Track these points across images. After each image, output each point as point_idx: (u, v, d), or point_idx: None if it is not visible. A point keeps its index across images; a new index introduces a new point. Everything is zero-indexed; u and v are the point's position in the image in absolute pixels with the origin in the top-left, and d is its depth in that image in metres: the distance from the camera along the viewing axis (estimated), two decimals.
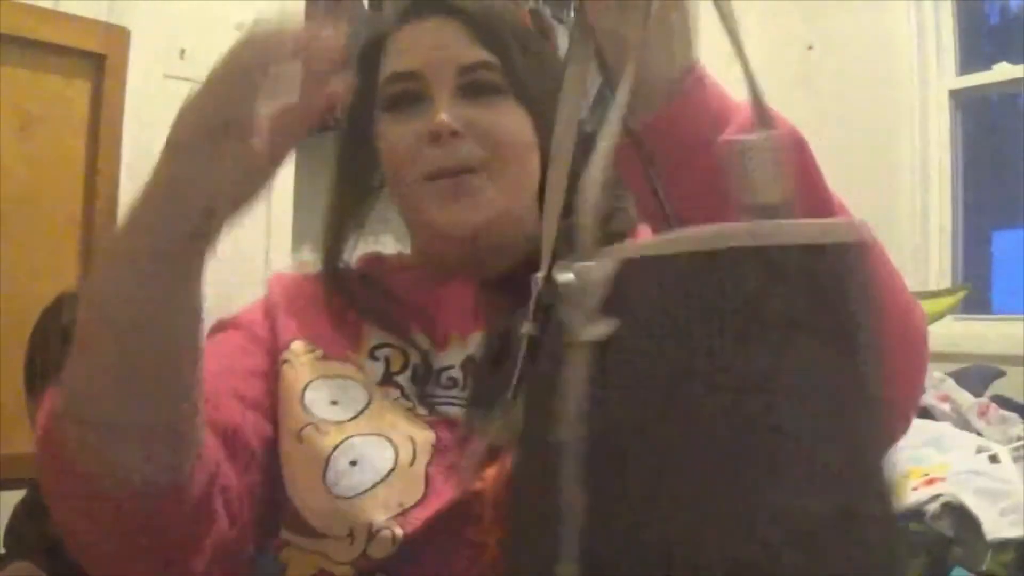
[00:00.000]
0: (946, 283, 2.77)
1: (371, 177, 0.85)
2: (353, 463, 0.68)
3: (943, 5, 2.89)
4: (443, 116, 0.75)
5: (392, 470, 0.68)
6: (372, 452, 0.69)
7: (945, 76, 2.88)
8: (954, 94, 2.87)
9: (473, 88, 0.77)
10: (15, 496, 1.30)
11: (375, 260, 0.87)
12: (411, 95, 0.78)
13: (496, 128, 0.77)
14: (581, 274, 0.44)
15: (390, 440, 0.70)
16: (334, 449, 0.69)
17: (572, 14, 3.14)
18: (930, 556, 1.50)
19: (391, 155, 0.79)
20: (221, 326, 0.82)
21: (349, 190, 0.85)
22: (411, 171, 0.77)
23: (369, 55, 0.82)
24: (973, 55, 2.90)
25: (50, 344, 1.18)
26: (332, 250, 0.83)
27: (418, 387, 0.75)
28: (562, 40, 3.03)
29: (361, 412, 0.72)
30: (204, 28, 2.38)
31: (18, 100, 1.84)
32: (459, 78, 0.77)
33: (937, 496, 1.54)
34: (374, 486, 0.67)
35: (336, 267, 0.83)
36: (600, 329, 0.42)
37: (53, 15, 1.96)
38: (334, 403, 0.73)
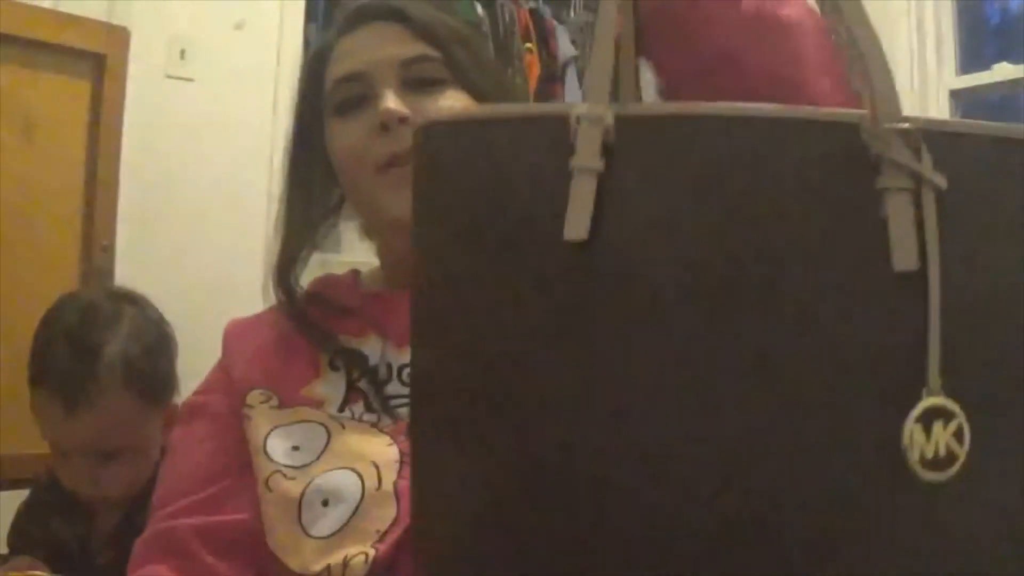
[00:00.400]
0: None
1: (326, 195, 0.85)
2: (325, 503, 0.69)
3: (943, 5, 2.89)
4: (390, 104, 0.76)
5: (361, 500, 0.68)
6: (340, 488, 0.69)
7: (945, 76, 2.88)
8: (954, 94, 2.88)
9: (417, 79, 0.79)
10: (15, 496, 1.30)
11: (331, 280, 0.87)
12: (358, 96, 0.79)
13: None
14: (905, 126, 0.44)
15: (355, 470, 0.70)
16: (303, 492, 0.69)
17: (572, 14, 3.14)
18: None
19: (343, 154, 0.80)
20: (188, 414, 0.82)
21: (300, 208, 0.85)
22: (364, 165, 0.78)
23: (314, 69, 0.83)
24: (973, 55, 2.90)
25: (52, 345, 1.17)
26: (281, 270, 0.83)
27: (377, 389, 0.75)
28: (562, 40, 3.03)
29: (323, 452, 0.72)
30: (204, 28, 2.38)
31: (18, 100, 1.84)
32: (402, 72, 0.79)
33: None
34: (349, 520, 0.68)
35: (288, 286, 0.83)
36: (941, 179, 0.43)
37: (53, 15, 1.96)
38: (295, 448, 0.73)
